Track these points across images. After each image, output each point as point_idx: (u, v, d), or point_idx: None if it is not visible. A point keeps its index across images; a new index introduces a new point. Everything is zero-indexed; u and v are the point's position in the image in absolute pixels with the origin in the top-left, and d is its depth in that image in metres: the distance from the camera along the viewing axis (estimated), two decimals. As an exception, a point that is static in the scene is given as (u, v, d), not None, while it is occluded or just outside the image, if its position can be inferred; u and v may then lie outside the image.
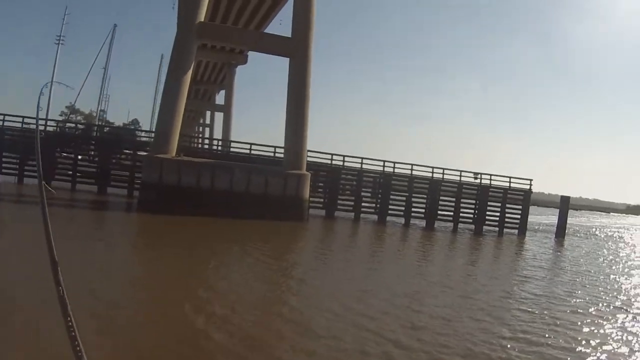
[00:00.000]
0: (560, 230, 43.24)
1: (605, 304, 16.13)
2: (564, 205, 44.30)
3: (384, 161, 38.67)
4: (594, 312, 14.70)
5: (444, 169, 39.50)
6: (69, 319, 2.40)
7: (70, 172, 36.01)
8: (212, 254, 20.06)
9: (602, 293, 18.12)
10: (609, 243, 45.18)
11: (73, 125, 47.23)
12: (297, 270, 18.73)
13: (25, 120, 36.77)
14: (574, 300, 16.35)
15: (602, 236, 54.00)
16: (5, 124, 36.25)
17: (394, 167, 38.75)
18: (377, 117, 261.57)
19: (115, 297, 11.69)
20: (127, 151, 37.99)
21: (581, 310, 14.75)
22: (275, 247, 23.61)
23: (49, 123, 40.74)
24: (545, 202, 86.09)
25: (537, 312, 14.05)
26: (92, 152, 37.86)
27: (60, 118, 63.16)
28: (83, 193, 33.95)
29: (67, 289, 2.56)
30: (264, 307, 12.69)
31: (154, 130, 33.28)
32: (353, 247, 27.42)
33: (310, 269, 18.90)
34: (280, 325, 11.07)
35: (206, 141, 54.93)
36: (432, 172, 39.33)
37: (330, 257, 22.39)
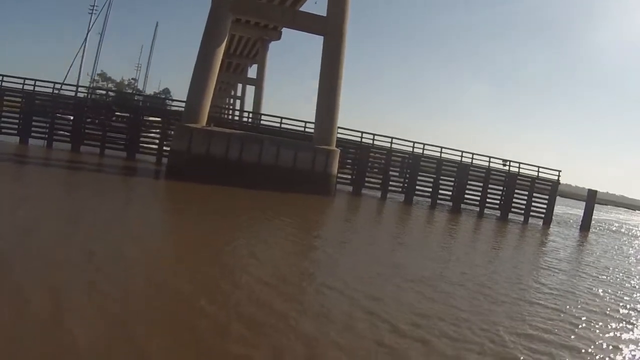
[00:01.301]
0: (586, 223, 42.66)
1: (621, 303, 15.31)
2: (591, 199, 43.63)
3: (414, 142, 38.48)
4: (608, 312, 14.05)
5: (473, 153, 39.18)
6: None
7: (100, 138, 36.21)
8: (237, 220, 20.19)
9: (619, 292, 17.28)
10: (636, 241, 44.36)
11: (104, 92, 47.64)
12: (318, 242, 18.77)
13: (56, 86, 37.40)
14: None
15: (628, 233, 53.09)
16: (37, 89, 36.51)
17: (423, 149, 38.49)
18: (404, 106, 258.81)
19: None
20: (156, 119, 38.06)
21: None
22: (300, 218, 23.75)
23: (79, 89, 41.37)
24: (572, 194, 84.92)
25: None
26: (122, 119, 37.95)
27: (91, 85, 63.42)
28: (112, 158, 34.20)
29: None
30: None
31: (185, 100, 33.26)
32: (376, 225, 27.46)
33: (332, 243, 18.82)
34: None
35: (237, 113, 54.82)
36: (462, 156, 39.00)
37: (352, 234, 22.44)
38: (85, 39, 62.96)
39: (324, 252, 16.42)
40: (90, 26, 66.62)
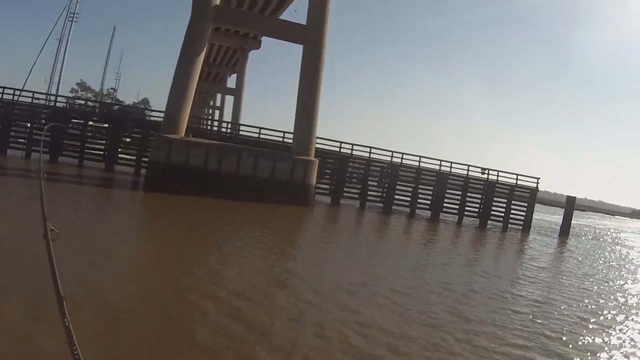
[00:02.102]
0: (565, 230, 43.24)
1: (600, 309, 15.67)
2: (570, 205, 44.28)
3: (392, 151, 38.77)
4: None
5: (451, 162, 39.52)
6: (74, 348, 2.39)
7: (79, 149, 35.98)
8: (213, 232, 20.21)
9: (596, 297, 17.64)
10: (615, 246, 44.98)
11: (83, 102, 47.34)
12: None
13: (35, 95, 37.30)
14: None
15: (607, 238, 53.80)
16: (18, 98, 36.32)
17: (402, 158, 38.74)
18: (386, 108, 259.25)
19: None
20: (136, 129, 37.91)
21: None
22: (278, 230, 23.79)
23: (58, 99, 41.12)
24: (551, 201, 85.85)
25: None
26: (101, 130, 37.77)
27: (70, 95, 63.00)
28: (90, 170, 33.99)
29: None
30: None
31: (163, 110, 33.21)
32: (355, 234, 27.66)
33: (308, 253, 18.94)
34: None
35: (215, 123, 54.76)
36: (440, 165, 39.33)
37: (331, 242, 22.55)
38: (44, 43, 62.44)
39: (298, 262, 16.58)
40: (67, 32, 66.35)
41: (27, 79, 54.62)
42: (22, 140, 35.67)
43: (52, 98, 40.71)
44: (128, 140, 37.93)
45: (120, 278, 11.64)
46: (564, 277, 21.28)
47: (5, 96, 36.03)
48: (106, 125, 37.62)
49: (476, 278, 17.90)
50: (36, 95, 38.57)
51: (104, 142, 36.93)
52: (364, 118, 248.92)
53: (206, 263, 14.84)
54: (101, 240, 14.80)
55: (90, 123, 37.82)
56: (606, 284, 21.17)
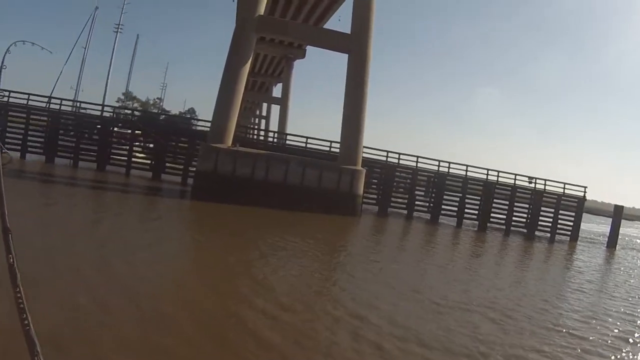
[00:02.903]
0: (612, 240, 41.98)
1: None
2: (617, 214, 42.97)
3: (439, 161, 38.34)
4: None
5: (498, 171, 38.84)
6: (17, 289, 2.24)
7: (126, 158, 36.55)
8: (263, 243, 20.20)
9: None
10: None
11: (129, 111, 48.10)
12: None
13: (64, 102, 38.26)
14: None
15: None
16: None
17: (448, 167, 38.29)
18: (429, 121, 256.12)
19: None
20: (183, 139, 38.25)
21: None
22: (326, 240, 23.71)
23: (105, 109, 41.91)
24: (599, 210, 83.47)
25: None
26: (148, 139, 38.22)
27: (117, 104, 64.20)
28: (137, 178, 34.45)
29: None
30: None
31: (210, 120, 33.52)
32: (403, 246, 27.35)
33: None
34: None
35: (262, 133, 55.05)
36: (487, 174, 38.67)
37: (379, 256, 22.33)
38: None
39: (346, 273, 16.44)
40: (115, 45, 67.84)
41: (54, 87, 55.16)
42: (70, 150, 36.27)
43: (99, 108, 41.57)
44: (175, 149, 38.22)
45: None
46: None
47: (53, 106, 36.92)
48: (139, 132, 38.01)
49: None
50: (83, 105, 39.47)
51: (150, 151, 37.41)
52: (408, 129, 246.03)
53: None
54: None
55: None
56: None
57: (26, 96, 36.22)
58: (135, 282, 11.53)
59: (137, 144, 37.75)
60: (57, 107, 37.20)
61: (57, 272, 11.17)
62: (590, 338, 12.44)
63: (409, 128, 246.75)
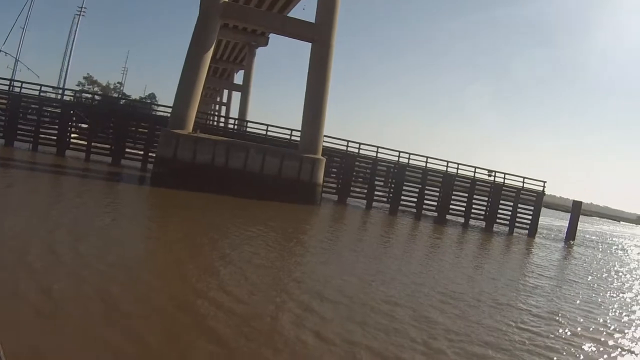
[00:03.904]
0: (570, 234, 42.95)
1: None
2: (576, 209, 43.96)
3: (400, 152, 38.61)
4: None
5: (458, 164, 39.33)
6: None
7: (85, 143, 35.97)
8: (221, 228, 20.16)
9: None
10: (620, 252, 44.74)
11: (89, 95, 47.23)
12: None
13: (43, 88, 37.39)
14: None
15: (613, 243, 53.50)
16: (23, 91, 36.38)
17: (408, 158, 38.58)
18: (395, 109, 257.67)
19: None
20: (143, 124, 37.79)
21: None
22: (283, 226, 23.77)
23: (65, 92, 41.15)
24: (557, 205, 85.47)
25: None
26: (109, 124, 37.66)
27: (77, 88, 62.97)
28: (97, 164, 33.94)
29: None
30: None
31: (170, 105, 33.20)
32: (360, 234, 27.46)
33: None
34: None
35: (222, 119, 54.56)
36: (447, 167, 39.13)
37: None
38: (8, 35, 61.98)
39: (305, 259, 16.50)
40: (76, 27, 66.37)
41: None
42: (29, 133, 35.58)
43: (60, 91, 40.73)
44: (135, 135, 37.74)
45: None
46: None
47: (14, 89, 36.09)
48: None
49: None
50: (43, 89, 38.71)
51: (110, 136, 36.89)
52: (371, 118, 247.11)
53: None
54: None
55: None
56: None
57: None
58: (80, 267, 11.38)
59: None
60: (18, 90, 36.32)
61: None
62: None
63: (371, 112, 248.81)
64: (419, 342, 10.10)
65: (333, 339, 9.48)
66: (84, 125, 37.33)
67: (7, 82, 36.60)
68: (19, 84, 36.59)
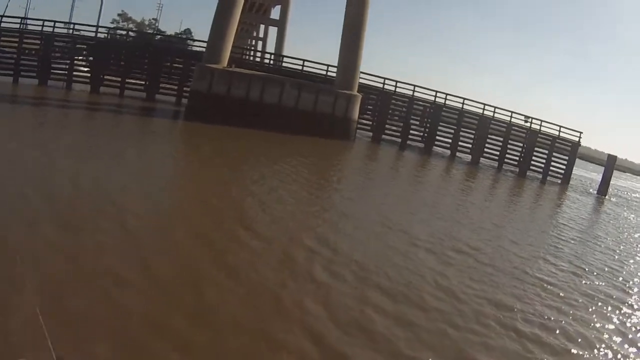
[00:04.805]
0: (603, 187, 41.98)
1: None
2: (610, 164, 42.87)
3: (436, 91, 37.83)
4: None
5: (495, 107, 38.49)
6: None
7: (120, 79, 36.03)
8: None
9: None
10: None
11: (124, 32, 47.14)
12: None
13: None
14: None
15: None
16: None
17: (445, 99, 37.87)
18: (430, 57, 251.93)
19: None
20: (177, 59, 37.65)
21: None
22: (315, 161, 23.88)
23: (99, 30, 40.98)
24: (592, 157, 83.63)
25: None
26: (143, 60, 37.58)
27: (112, 25, 62.85)
28: (131, 99, 34.03)
29: None
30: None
31: (206, 40, 32.95)
32: (393, 172, 27.33)
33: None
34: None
35: (258, 54, 54.00)
36: (484, 109, 38.32)
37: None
38: None
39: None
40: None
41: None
42: (63, 72, 35.71)
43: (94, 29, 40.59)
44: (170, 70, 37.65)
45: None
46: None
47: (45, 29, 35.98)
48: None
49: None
50: (76, 27, 38.57)
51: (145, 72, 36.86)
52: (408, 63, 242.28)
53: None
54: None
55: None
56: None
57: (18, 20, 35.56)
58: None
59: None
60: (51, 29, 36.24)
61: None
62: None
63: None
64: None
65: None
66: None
67: (40, 22, 36.47)
68: (51, 24, 36.44)
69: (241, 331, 6.63)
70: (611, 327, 9.48)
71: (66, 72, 35.68)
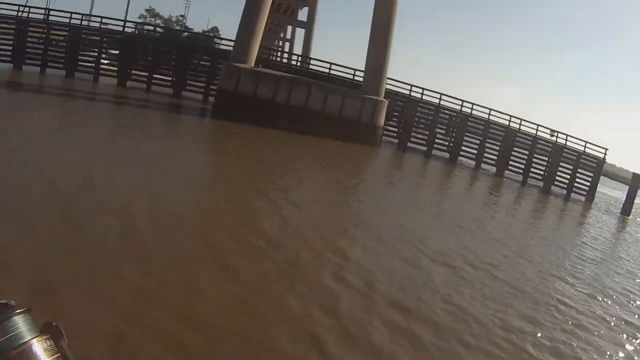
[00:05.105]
0: (627, 207, 41.11)
1: None
2: (635, 182, 42.12)
3: (463, 100, 37.47)
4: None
5: (521, 119, 37.93)
6: None
7: (146, 74, 36.15)
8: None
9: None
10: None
11: (152, 28, 47.35)
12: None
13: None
14: None
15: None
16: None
17: (471, 109, 37.47)
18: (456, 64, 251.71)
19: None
20: (205, 57, 37.69)
21: None
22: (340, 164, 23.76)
23: (127, 24, 41.14)
24: (616, 175, 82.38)
25: None
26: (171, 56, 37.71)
27: (139, 20, 63.12)
28: (159, 95, 34.13)
29: None
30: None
31: (233, 39, 32.99)
32: (418, 180, 27.12)
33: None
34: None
35: (285, 55, 53.98)
36: (510, 121, 37.80)
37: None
38: None
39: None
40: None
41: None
42: (90, 65, 36.09)
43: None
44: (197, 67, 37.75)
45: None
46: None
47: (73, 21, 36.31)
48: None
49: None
50: (104, 21, 38.81)
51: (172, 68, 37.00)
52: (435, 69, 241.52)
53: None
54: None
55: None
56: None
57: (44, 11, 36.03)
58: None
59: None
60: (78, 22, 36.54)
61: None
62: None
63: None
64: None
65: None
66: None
67: (68, 15, 36.71)
68: (79, 17, 36.71)
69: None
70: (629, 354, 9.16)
71: (93, 64, 35.97)
